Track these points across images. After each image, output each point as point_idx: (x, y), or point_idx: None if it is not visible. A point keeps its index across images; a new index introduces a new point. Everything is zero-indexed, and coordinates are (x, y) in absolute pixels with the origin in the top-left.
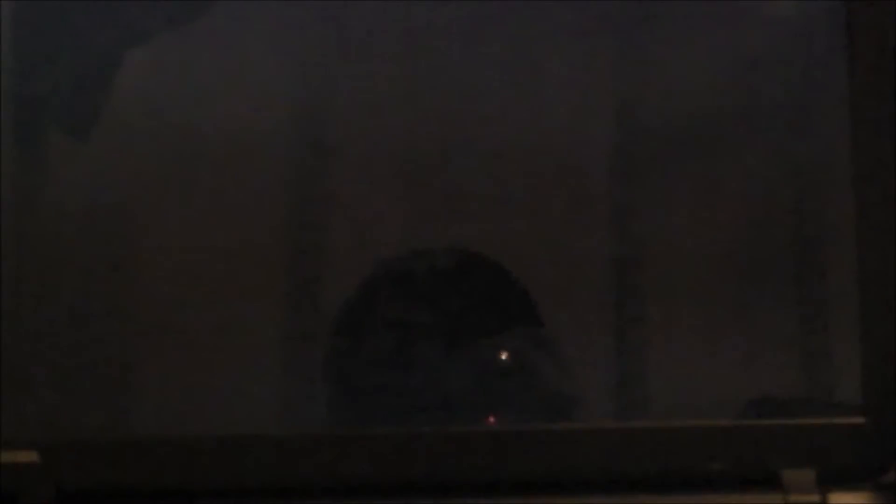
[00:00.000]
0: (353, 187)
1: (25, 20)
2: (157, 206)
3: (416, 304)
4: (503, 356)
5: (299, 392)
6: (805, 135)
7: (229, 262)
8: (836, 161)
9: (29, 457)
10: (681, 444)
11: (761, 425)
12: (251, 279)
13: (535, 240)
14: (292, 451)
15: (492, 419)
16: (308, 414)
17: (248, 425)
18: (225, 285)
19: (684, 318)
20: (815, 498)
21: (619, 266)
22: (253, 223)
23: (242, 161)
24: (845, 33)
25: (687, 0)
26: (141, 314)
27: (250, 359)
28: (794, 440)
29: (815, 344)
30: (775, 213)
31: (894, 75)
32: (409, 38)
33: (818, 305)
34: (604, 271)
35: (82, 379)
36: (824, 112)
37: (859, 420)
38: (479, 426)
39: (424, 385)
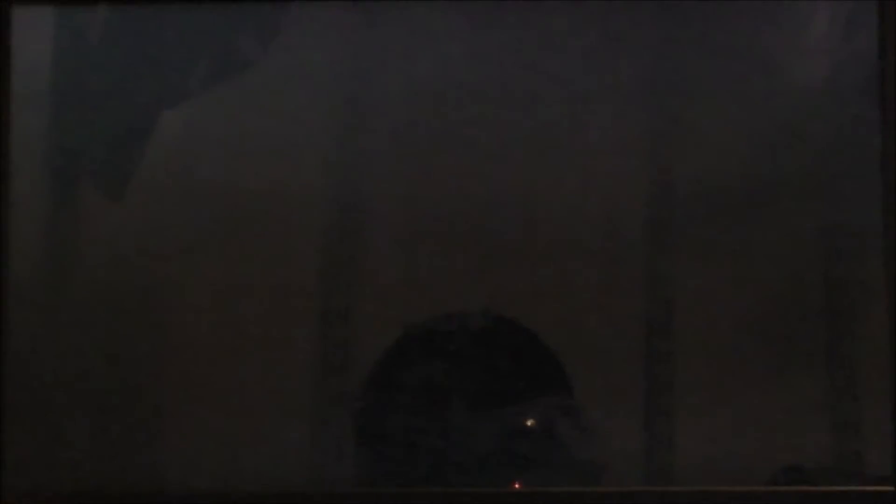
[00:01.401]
0: (384, 249)
1: (64, 79)
2: (190, 266)
3: (446, 367)
4: (530, 422)
5: (329, 450)
6: (838, 203)
7: (261, 321)
8: (868, 230)
9: None
10: None
11: (791, 492)
12: (282, 338)
13: (566, 304)
14: None
15: (517, 485)
16: (337, 472)
17: (277, 482)
18: (256, 344)
19: (714, 384)
20: None
21: (649, 331)
22: (285, 283)
23: (275, 221)
24: (878, 100)
25: (722, 69)
26: (172, 373)
27: (280, 417)
28: None
29: (845, 413)
30: (807, 282)
31: None
32: (444, 101)
33: (849, 374)
34: (634, 336)
35: (114, 434)
36: (857, 180)
37: (889, 488)
38: (505, 488)
39: (452, 446)
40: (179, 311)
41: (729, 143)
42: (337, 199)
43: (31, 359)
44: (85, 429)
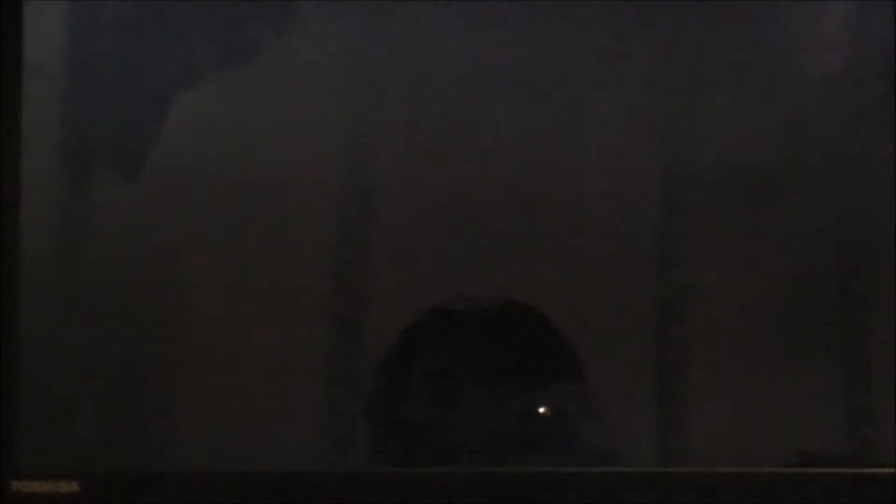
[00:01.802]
0: (397, 234)
1: (78, 63)
2: (202, 247)
3: (457, 351)
4: (542, 406)
5: (341, 430)
6: (852, 193)
7: (273, 303)
8: (882, 219)
9: (70, 487)
10: (720, 490)
11: (795, 473)
12: (295, 319)
13: (578, 289)
14: (332, 488)
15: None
16: (348, 452)
17: (287, 462)
18: (268, 324)
19: (727, 370)
20: None
21: (662, 317)
22: (297, 267)
23: (288, 205)
24: (894, 88)
25: (734, 55)
26: (183, 351)
27: (292, 396)
28: (833, 488)
29: (858, 400)
30: (821, 270)
31: None
32: (454, 87)
33: (863, 362)
34: (647, 322)
35: (125, 412)
36: (872, 170)
37: (892, 470)
38: (517, 468)
39: (463, 428)
40: (188, 292)
41: (743, 130)
42: (350, 183)
43: (43, 344)
44: (96, 413)
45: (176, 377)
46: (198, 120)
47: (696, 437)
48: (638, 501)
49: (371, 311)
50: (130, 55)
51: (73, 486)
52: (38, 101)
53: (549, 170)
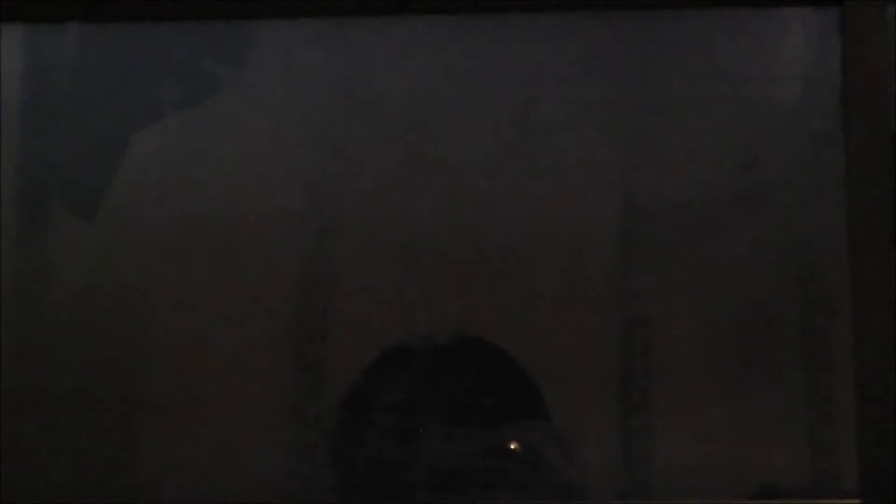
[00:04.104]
0: (358, 272)
1: (35, 101)
2: (165, 287)
3: (419, 387)
4: (505, 441)
5: (304, 468)
6: (808, 223)
7: (236, 342)
8: (838, 250)
9: None
10: None
11: None
12: (258, 358)
13: (539, 324)
14: None
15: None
16: (312, 489)
17: (252, 498)
18: (232, 364)
19: (691, 401)
20: None
21: (623, 350)
22: (260, 305)
23: (250, 243)
24: (843, 118)
25: (690, 87)
26: (148, 391)
27: (256, 435)
28: None
29: (821, 430)
30: (779, 301)
31: (892, 158)
32: (415, 125)
33: (826, 391)
34: (608, 355)
35: (90, 449)
36: (825, 197)
37: (856, 501)
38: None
39: (425, 464)
40: (151, 333)
41: (699, 161)
42: (311, 220)
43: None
44: (61, 451)
45: (141, 415)
46: (158, 161)
47: (658, 470)
48: None
49: (332, 351)
50: (87, 89)
51: None
52: None
53: (508, 207)
